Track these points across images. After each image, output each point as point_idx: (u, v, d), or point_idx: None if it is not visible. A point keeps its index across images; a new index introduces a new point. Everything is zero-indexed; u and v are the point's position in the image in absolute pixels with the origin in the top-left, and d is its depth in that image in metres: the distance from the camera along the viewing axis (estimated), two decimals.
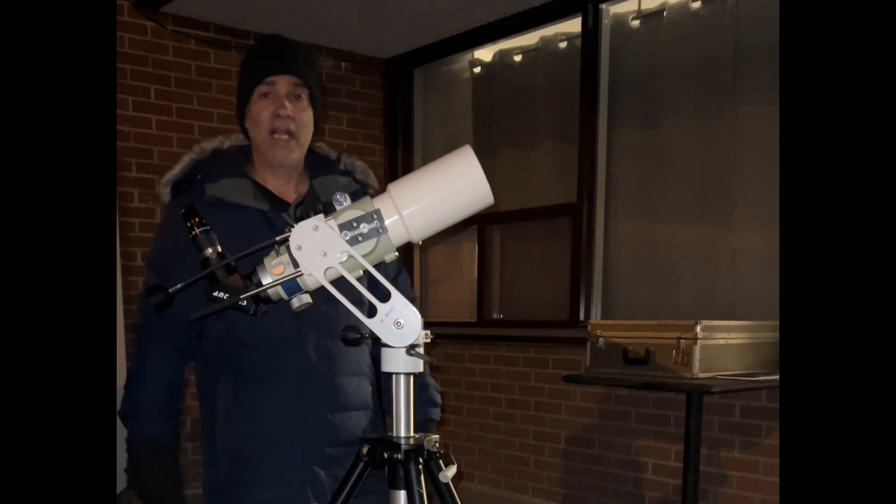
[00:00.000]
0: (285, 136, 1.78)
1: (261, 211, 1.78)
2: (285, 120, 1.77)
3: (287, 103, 1.77)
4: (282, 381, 1.78)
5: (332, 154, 1.99)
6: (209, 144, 1.89)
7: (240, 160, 1.87)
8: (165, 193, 1.91)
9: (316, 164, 1.92)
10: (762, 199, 3.55)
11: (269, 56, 1.81)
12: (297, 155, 1.83)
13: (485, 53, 4.84)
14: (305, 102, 1.82)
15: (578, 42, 4.24)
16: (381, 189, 1.58)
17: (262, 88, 1.78)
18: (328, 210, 1.32)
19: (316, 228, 1.29)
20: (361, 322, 1.34)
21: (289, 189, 1.87)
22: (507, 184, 4.56)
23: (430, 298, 5.25)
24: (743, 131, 3.68)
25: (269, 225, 1.74)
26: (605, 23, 4.15)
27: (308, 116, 1.83)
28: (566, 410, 4.28)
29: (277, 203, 1.82)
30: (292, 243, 1.29)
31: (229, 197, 1.78)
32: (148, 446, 1.81)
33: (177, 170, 1.89)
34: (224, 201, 1.77)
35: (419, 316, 1.30)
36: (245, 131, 1.87)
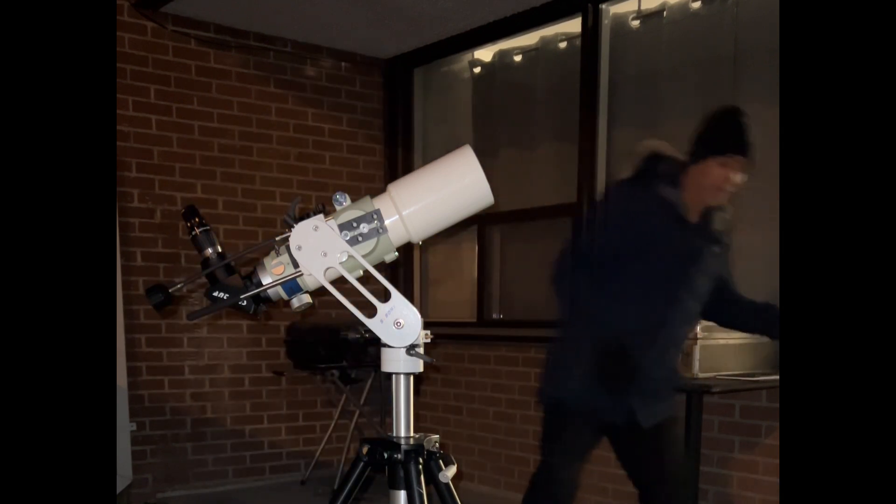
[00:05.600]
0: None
1: (678, 219, 2.46)
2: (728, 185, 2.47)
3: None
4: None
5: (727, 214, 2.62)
6: (662, 145, 2.55)
7: (674, 172, 2.47)
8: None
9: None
10: (762, 198, 3.54)
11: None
12: None
13: (485, 53, 4.84)
14: None
15: (578, 42, 4.24)
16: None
17: (723, 159, 2.41)
18: (328, 210, 1.32)
19: (316, 228, 1.29)
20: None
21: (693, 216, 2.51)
22: (507, 184, 4.56)
23: (430, 298, 5.25)
24: None
25: (680, 233, 2.46)
26: (605, 23, 4.15)
27: None
28: None
29: (687, 224, 2.48)
30: (292, 243, 1.29)
31: (672, 200, 2.45)
32: None
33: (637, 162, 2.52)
34: (665, 201, 2.43)
35: (419, 316, 1.30)
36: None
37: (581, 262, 2.55)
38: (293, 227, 1.30)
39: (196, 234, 1.37)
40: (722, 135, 2.46)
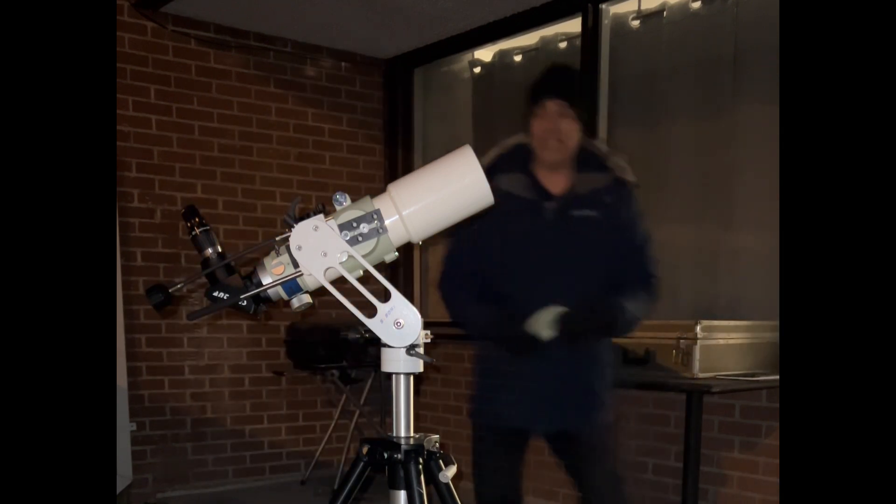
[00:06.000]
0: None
1: (527, 200, 2.32)
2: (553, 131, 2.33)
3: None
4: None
5: (603, 150, 2.44)
6: (513, 140, 2.43)
7: (528, 156, 2.37)
8: None
9: (583, 161, 2.39)
10: (762, 199, 3.55)
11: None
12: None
13: (485, 53, 4.84)
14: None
15: (578, 42, 4.23)
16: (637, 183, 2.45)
17: (538, 109, 2.34)
18: (328, 210, 1.32)
19: (316, 228, 1.29)
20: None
21: (557, 180, 2.37)
22: None
23: (430, 298, 5.24)
24: (743, 131, 3.67)
25: (533, 213, 2.33)
26: (605, 23, 4.15)
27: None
28: None
29: (544, 194, 2.35)
30: (292, 243, 1.29)
31: (504, 186, 2.27)
32: None
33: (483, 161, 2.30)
34: (501, 190, 2.13)
35: (419, 316, 1.30)
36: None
37: (461, 268, 2.46)
38: (293, 227, 1.30)
39: (196, 234, 1.37)
40: (531, 91, 2.40)
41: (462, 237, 2.40)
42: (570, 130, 2.33)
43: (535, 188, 2.35)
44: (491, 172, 2.14)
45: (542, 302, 2.29)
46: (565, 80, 2.44)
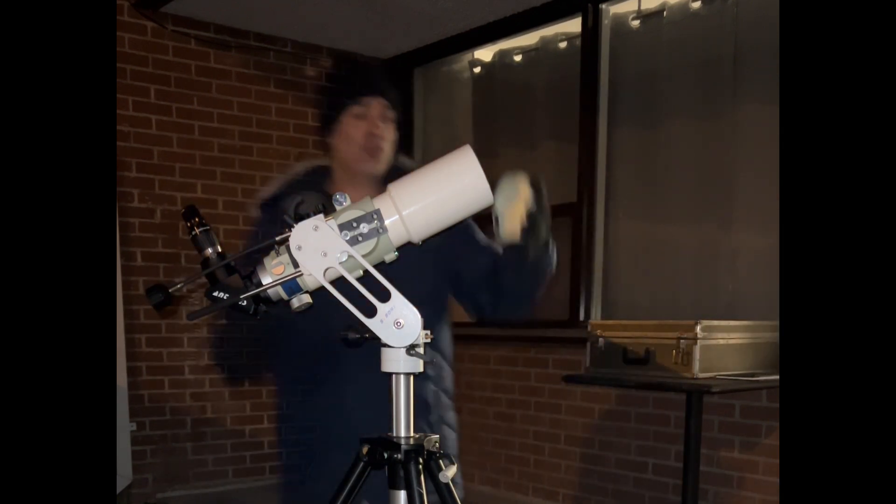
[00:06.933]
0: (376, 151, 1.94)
1: None
2: (376, 137, 1.93)
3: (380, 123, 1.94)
4: (342, 383, 1.83)
5: (411, 166, 2.00)
6: (301, 166, 2.04)
7: (322, 178, 2.00)
8: (255, 213, 2.02)
9: (389, 176, 1.91)
10: (762, 199, 3.55)
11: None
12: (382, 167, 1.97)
13: (485, 53, 4.84)
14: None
15: (578, 42, 4.23)
16: None
17: (356, 109, 1.93)
18: (328, 210, 1.32)
19: (316, 228, 1.29)
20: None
21: None
22: None
23: None
24: (743, 131, 3.68)
25: None
26: (605, 23, 4.15)
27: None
28: (566, 410, 4.28)
29: None
30: (292, 243, 1.29)
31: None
32: None
33: (268, 190, 1.99)
34: None
35: (419, 316, 1.30)
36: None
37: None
38: (293, 227, 1.30)
39: (196, 234, 1.37)
40: (345, 86, 1.98)
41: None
42: (391, 138, 1.96)
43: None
44: (281, 199, 1.89)
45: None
46: (378, 75, 2.03)
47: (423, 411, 1.91)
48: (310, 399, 1.92)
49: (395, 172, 1.88)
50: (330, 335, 1.55)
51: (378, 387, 1.73)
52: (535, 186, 1.74)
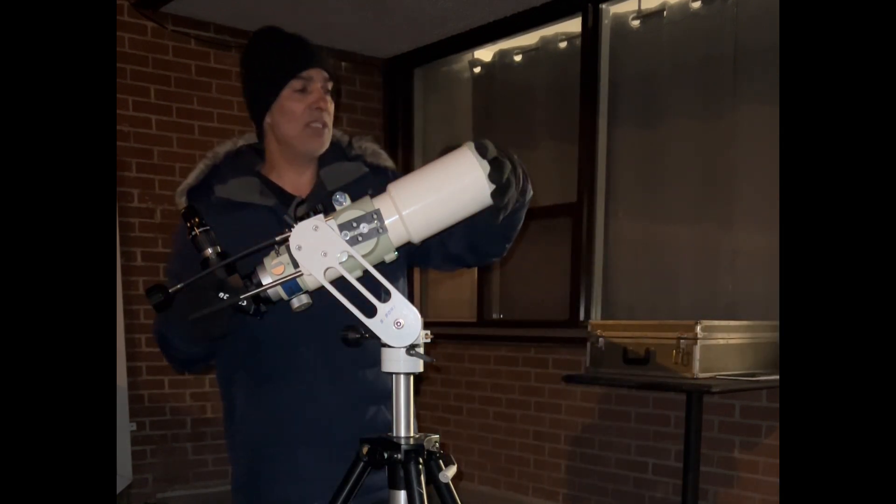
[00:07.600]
0: (320, 127, 1.78)
1: (268, 208, 1.75)
2: (321, 112, 1.78)
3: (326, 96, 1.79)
4: (298, 376, 1.74)
5: (345, 139, 1.92)
6: (222, 148, 1.85)
7: (251, 159, 1.85)
8: (181, 202, 1.79)
9: (326, 152, 1.85)
10: (762, 199, 3.55)
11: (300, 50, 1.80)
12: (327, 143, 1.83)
13: (485, 53, 4.84)
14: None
15: (578, 42, 4.24)
16: (395, 167, 1.87)
17: (296, 83, 1.77)
18: (328, 210, 1.32)
19: (316, 228, 1.29)
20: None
21: (303, 181, 1.83)
22: None
23: (430, 298, 5.24)
24: (743, 131, 3.68)
25: (278, 221, 1.67)
26: (605, 23, 4.15)
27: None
28: (566, 410, 4.28)
29: (287, 198, 1.79)
30: (292, 243, 1.29)
31: (235, 196, 1.76)
32: None
33: (192, 178, 1.82)
34: (231, 201, 1.75)
35: (419, 316, 1.30)
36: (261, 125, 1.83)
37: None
38: (293, 227, 1.30)
39: (196, 234, 1.37)
40: (278, 58, 1.79)
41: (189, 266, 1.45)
42: (332, 112, 1.82)
43: (275, 192, 1.79)
44: (208, 183, 1.75)
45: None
46: (312, 45, 1.84)
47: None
48: (263, 395, 1.78)
49: (335, 150, 1.86)
50: (283, 324, 1.52)
51: (339, 381, 1.72)
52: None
